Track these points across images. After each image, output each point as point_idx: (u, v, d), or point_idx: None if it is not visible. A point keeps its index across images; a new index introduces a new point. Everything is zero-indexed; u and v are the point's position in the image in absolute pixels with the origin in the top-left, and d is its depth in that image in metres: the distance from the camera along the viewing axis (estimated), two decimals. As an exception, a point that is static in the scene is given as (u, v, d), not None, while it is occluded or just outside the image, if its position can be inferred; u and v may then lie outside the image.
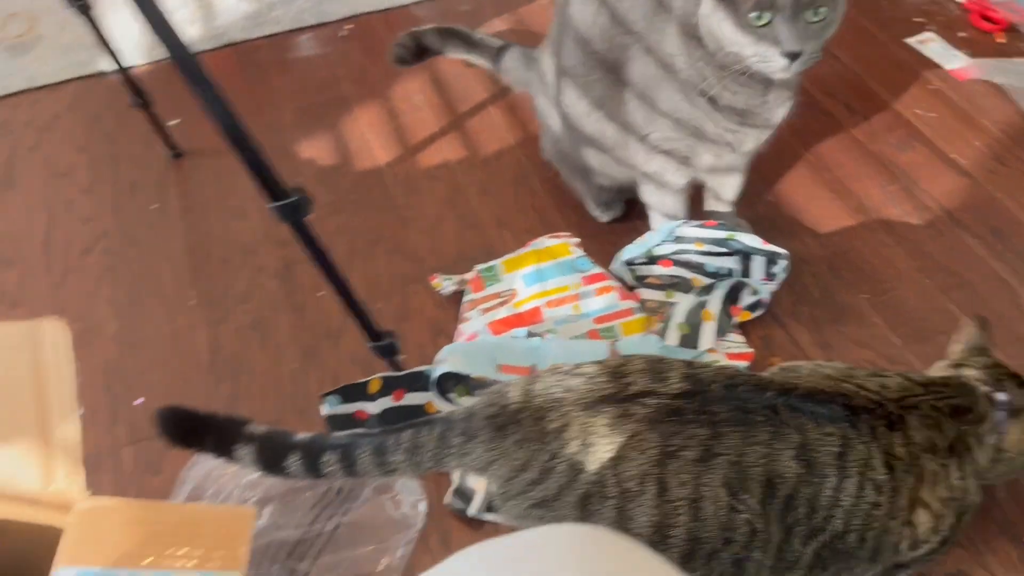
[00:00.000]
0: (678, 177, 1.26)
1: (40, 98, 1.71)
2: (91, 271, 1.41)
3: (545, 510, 0.75)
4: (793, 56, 1.02)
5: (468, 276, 1.29)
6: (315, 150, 1.60)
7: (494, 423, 0.77)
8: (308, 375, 1.25)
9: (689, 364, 0.77)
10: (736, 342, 1.21)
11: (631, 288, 1.29)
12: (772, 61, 1.04)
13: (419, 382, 1.13)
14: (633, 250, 1.29)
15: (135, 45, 1.68)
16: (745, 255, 1.28)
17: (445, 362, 1.10)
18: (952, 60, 1.65)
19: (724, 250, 1.28)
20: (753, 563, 0.75)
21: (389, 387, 1.12)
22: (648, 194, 1.32)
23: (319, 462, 0.85)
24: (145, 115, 1.51)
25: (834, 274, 1.32)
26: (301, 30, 1.88)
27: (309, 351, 1.28)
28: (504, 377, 1.10)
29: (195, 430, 0.89)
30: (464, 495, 1.08)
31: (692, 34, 1.10)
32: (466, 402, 1.10)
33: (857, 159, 1.50)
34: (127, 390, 1.23)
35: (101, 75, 1.75)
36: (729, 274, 1.27)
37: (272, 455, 0.86)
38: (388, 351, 1.09)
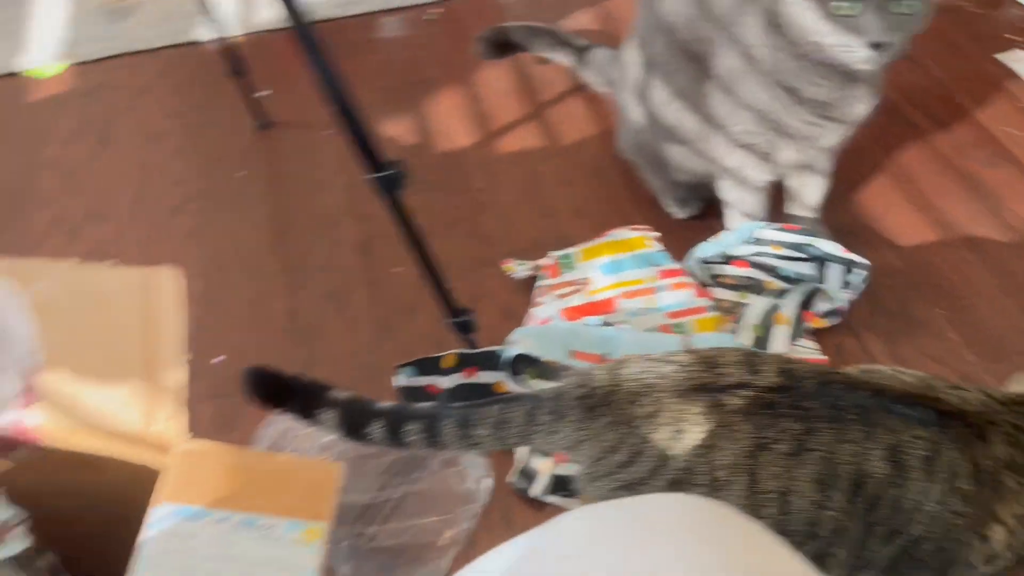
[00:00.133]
0: (758, 173, 1.26)
1: (137, 63, 1.78)
2: (179, 231, 1.46)
3: (631, 492, 0.76)
4: (878, 47, 1.02)
5: (543, 262, 1.31)
6: (397, 130, 1.63)
7: (584, 404, 0.79)
8: (381, 347, 1.28)
9: (784, 359, 0.78)
10: (809, 348, 1.21)
11: (704, 286, 1.29)
12: (856, 51, 1.03)
13: (491, 361, 1.15)
14: (709, 248, 1.29)
15: (231, 16, 1.72)
16: (822, 262, 1.27)
17: (518, 344, 1.12)
18: (1044, 80, 1.62)
19: (801, 255, 1.28)
20: (834, 559, 0.75)
21: (463, 363, 1.14)
22: (727, 191, 1.32)
23: (401, 430, 0.87)
24: (237, 85, 1.55)
25: (911, 287, 1.31)
26: (389, 11, 1.91)
27: (383, 324, 1.31)
28: (576, 363, 1.11)
29: (281, 391, 0.92)
30: (528, 475, 1.10)
31: (775, 23, 1.10)
32: (537, 385, 1.12)
33: (940, 173, 1.48)
34: (208, 347, 1.27)
35: (195, 44, 1.81)
36: (805, 279, 1.27)
37: (355, 421, 0.88)
38: (465, 328, 1.11)
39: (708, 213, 1.41)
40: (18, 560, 0.71)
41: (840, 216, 1.41)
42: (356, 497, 1.06)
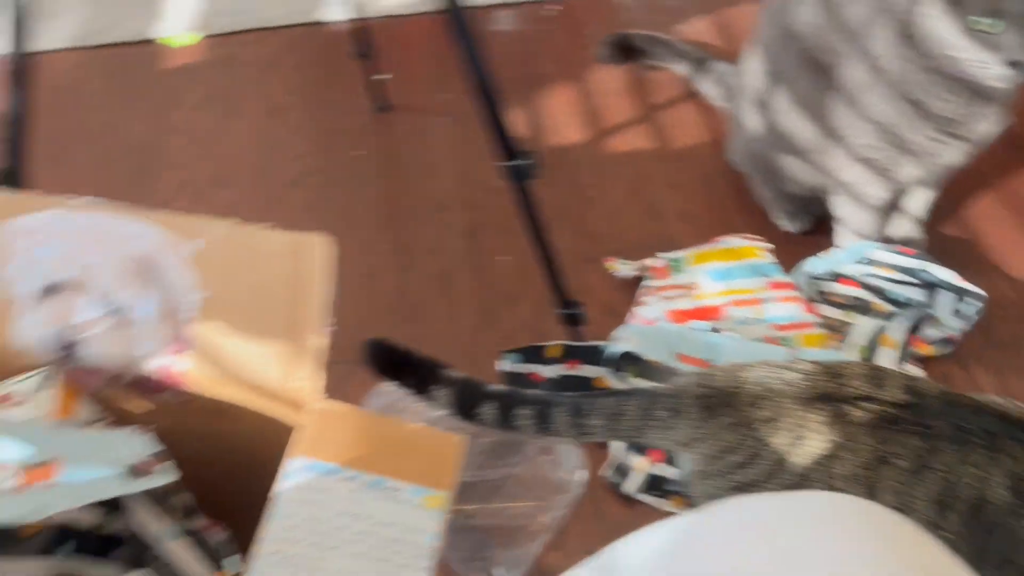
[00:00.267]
0: (875, 190, 1.25)
1: (264, 38, 1.84)
2: (296, 203, 1.51)
3: (745, 493, 0.77)
4: (1017, 65, 1.00)
5: (650, 263, 1.32)
6: (509, 120, 1.65)
7: (704, 403, 0.80)
8: (484, 332, 1.30)
9: (908, 376, 0.78)
10: (915, 373, 1.19)
11: (811, 301, 1.28)
12: (992, 68, 1.01)
13: (595, 356, 1.16)
14: (818, 264, 1.28)
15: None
16: (933, 288, 1.25)
17: (625, 341, 1.13)
18: None
19: (913, 280, 1.26)
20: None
21: (568, 355, 1.16)
22: (841, 207, 1.31)
23: (513, 414, 0.89)
24: (360, 66, 1.60)
25: (1026, 321, 1.28)
26: (506, 5, 1.94)
27: (486, 309, 1.34)
28: (680, 365, 1.12)
29: (399, 364, 0.96)
30: (622, 471, 1.11)
31: (907, 34, 1.08)
32: (638, 383, 1.13)
33: (1063, 207, 1.44)
34: (319, 316, 1.32)
35: (319, 24, 1.87)
36: (913, 305, 1.25)
37: (467, 400, 0.92)
38: (574, 320, 1.13)
39: (817, 229, 1.40)
40: (155, 495, 0.76)
41: (954, 243, 1.38)
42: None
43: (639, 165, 1.56)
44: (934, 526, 0.74)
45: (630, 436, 0.85)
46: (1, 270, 0.79)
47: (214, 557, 0.75)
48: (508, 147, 0.94)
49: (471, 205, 1.49)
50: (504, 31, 1.89)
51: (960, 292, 1.24)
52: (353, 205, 1.51)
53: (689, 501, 1.05)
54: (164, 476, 0.72)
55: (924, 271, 1.24)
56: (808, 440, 0.76)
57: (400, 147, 1.61)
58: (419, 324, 1.32)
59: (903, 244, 1.30)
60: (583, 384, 1.17)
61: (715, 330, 1.17)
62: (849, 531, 0.40)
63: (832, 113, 1.21)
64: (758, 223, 1.43)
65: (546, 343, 1.19)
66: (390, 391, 1.14)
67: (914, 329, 1.23)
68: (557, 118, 1.66)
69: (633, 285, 1.33)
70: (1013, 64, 1.00)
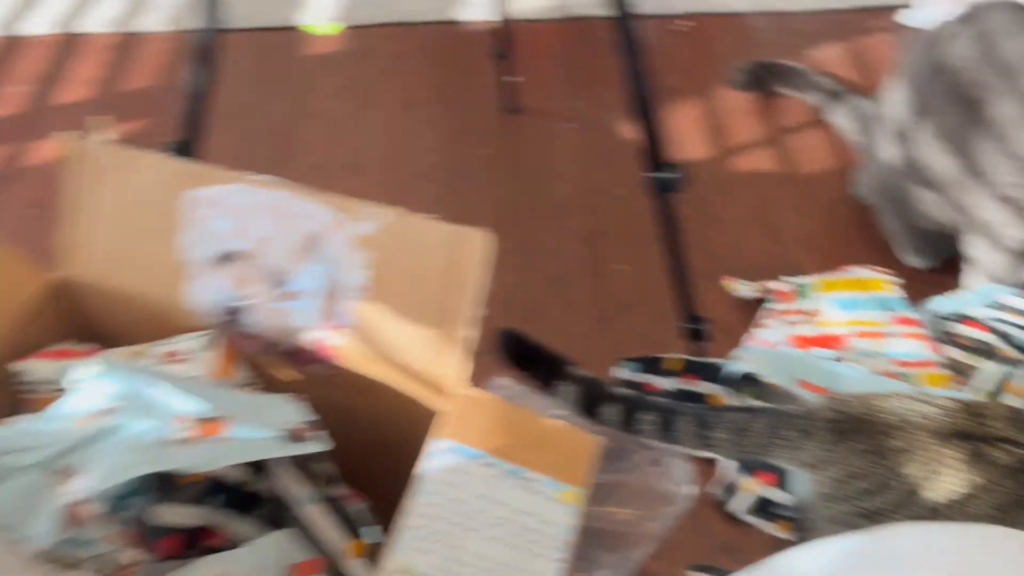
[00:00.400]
0: (1015, 231, 1.22)
1: (402, 33, 1.90)
2: (424, 195, 1.56)
3: (870, 522, 0.78)
4: None
5: (774, 286, 1.32)
6: (633, 131, 1.67)
7: (835, 427, 0.80)
8: (597, 338, 1.32)
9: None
10: (1042, 424, 1.16)
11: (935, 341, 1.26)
12: None
13: (713, 373, 1.17)
14: (945, 304, 1.26)
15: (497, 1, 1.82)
16: (1066, 339, 1.22)
17: (745, 362, 1.14)
18: None
19: (1045, 328, 1.23)
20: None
21: (688, 369, 1.17)
22: (976, 247, 1.28)
23: (636, 417, 0.91)
24: (495, 67, 1.64)
25: None
26: (637, 17, 1.95)
27: (601, 315, 1.36)
28: (801, 392, 1.12)
29: (529, 356, 0.99)
30: (730, 490, 1.11)
31: None
32: (755, 404, 1.14)
33: None
34: (438, 307, 1.37)
35: (453, 23, 1.92)
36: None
37: (592, 399, 0.94)
38: (697, 335, 1.14)
39: (943, 267, 1.37)
40: (300, 462, 0.80)
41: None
42: (566, 474, 1.12)
43: (763, 187, 1.55)
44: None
45: (754, 453, 0.85)
46: (182, 235, 0.85)
47: (352, 525, 0.79)
48: (656, 158, 0.95)
49: (591, 211, 1.51)
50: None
51: (1095, 346, 1.20)
52: (477, 201, 1.55)
53: (796, 525, 1.05)
54: (318, 444, 0.76)
55: (1058, 321, 1.21)
56: (943, 475, 0.75)
57: (526, 149, 1.64)
58: (535, 323, 1.33)
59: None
60: (696, 399, 1.18)
61: (838, 359, 1.16)
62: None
63: (977, 149, 1.19)
64: (882, 257, 1.41)
65: (665, 355, 1.20)
66: (508, 384, 1.17)
67: (1041, 379, 1.19)
68: (682, 132, 1.66)
69: (749, 306, 1.33)
70: None
